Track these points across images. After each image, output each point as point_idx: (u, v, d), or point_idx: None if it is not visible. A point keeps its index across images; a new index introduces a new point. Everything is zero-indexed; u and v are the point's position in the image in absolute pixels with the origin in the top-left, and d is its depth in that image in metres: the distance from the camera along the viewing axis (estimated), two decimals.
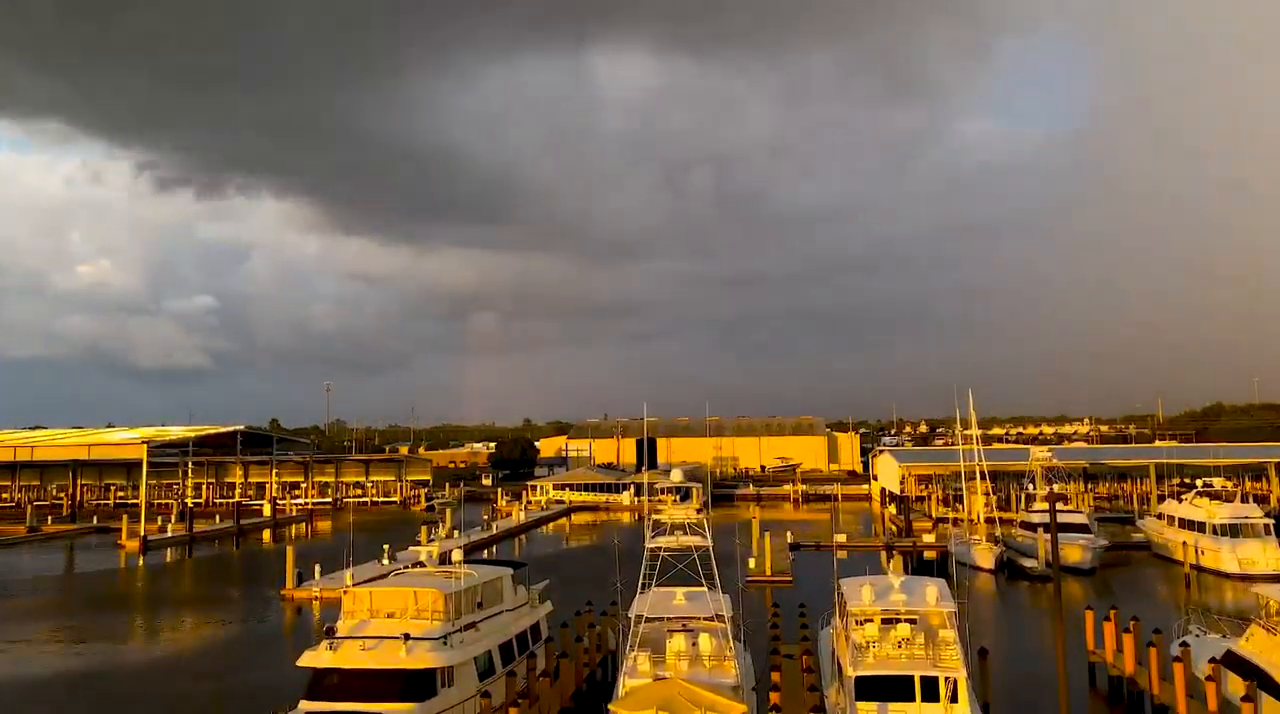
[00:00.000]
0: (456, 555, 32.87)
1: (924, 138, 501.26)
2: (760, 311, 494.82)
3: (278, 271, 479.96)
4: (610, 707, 24.51)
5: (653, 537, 29.60)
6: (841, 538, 72.98)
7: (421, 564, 33.58)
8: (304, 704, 25.40)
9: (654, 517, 30.28)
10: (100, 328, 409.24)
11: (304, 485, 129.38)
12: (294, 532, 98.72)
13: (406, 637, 26.26)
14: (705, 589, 29.43)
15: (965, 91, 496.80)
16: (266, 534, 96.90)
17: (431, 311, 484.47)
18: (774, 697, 25.92)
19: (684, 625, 28.30)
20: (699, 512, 30.73)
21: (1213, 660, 28.49)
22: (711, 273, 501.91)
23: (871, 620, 26.53)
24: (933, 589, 27.72)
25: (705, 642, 27.09)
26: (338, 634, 27.33)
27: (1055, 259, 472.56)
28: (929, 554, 66.52)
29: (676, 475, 34.33)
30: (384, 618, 28.23)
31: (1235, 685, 27.11)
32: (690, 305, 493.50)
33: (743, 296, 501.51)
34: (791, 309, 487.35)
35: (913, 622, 26.44)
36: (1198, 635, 33.17)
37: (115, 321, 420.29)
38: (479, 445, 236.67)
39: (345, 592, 30.07)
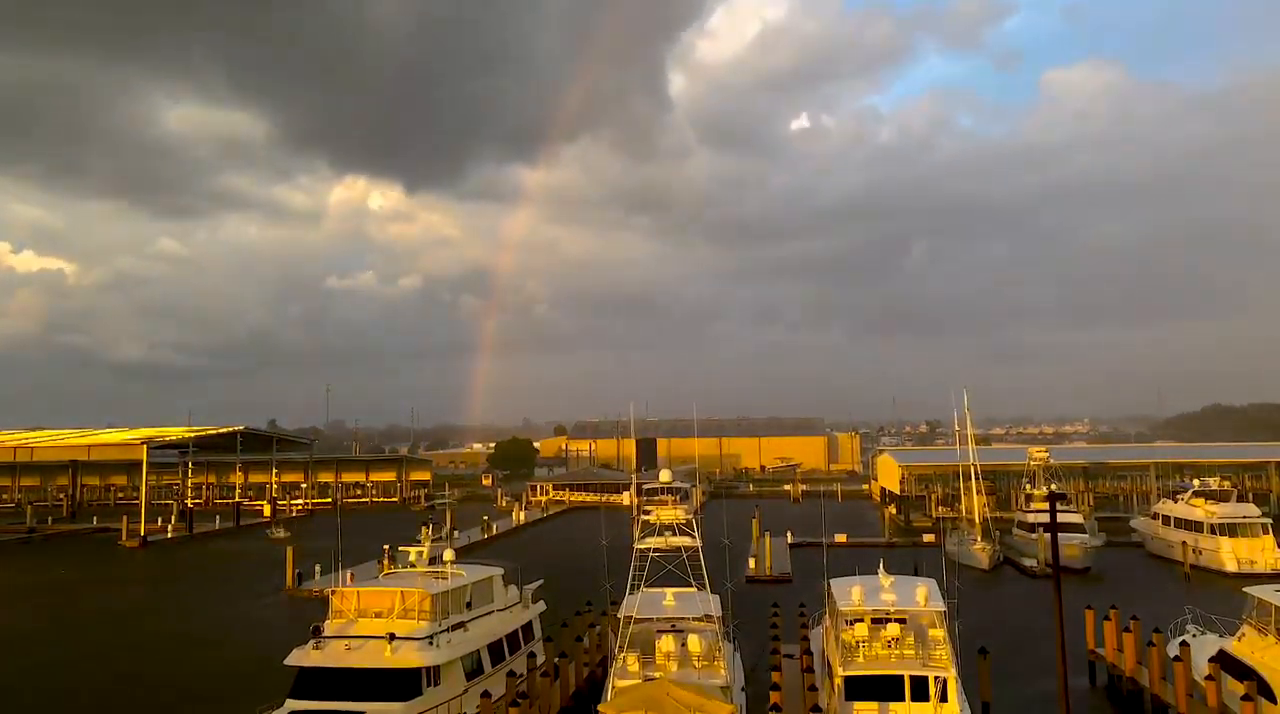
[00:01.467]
0: (448, 556, 32.76)
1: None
2: (779, 306, 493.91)
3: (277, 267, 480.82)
4: (599, 707, 24.35)
5: (642, 537, 29.43)
6: (842, 537, 72.81)
7: (412, 564, 33.44)
8: (290, 703, 25.40)
9: (643, 518, 30.12)
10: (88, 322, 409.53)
11: (304, 486, 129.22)
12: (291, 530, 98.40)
13: (392, 636, 26.22)
14: (694, 590, 29.27)
15: None
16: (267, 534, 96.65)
17: (432, 310, 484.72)
18: (774, 696, 25.78)
19: (673, 626, 28.15)
20: (689, 513, 30.51)
21: (1210, 661, 28.30)
22: (747, 258, 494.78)
23: (862, 620, 26.34)
24: (923, 589, 27.54)
25: (694, 642, 26.99)
26: (324, 634, 27.26)
27: (1052, 261, 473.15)
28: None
29: (665, 475, 34.11)
30: (371, 618, 28.22)
31: (1235, 685, 26.92)
32: (705, 299, 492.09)
33: (767, 287, 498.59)
34: (814, 302, 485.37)
35: (902, 622, 26.24)
36: (1195, 635, 32.98)
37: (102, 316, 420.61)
38: (479, 446, 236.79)
39: (333, 592, 29.97)
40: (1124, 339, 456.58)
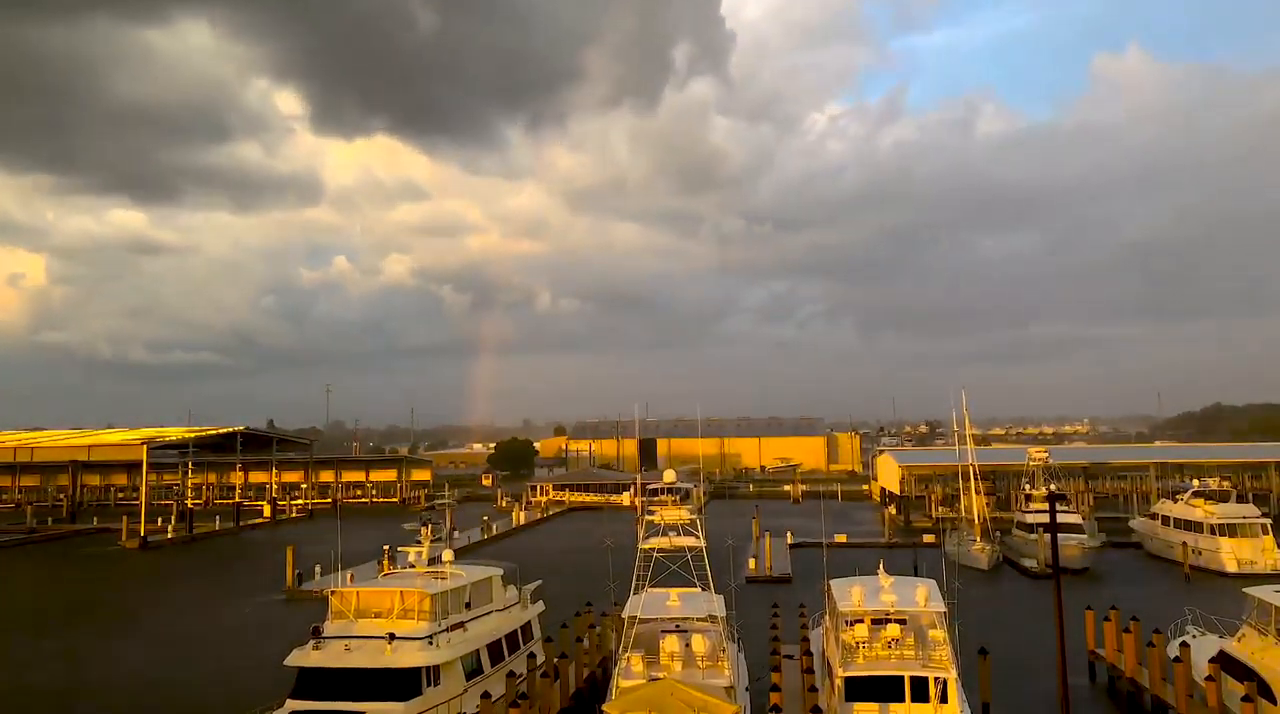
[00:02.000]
0: (447, 556, 32.78)
1: None
2: (784, 304, 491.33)
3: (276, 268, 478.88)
4: (603, 707, 24.33)
5: (646, 537, 29.41)
6: (842, 538, 72.85)
7: (411, 565, 33.45)
8: (290, 703, 25.44)
9: (647, 518, 30.10)
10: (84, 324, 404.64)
11: (304, 486, 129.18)
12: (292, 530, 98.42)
13: (391, 636, 26.24)
14: (699, 590, 29.24)
15: None
16: (267, 534, 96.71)
17: (432, 308, 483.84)
18: (774, 697, 25.77)
19: (677, 626, 28.14)
20: (693, 513, 30.50)
21: (1210, 661, 28.31)
22: (752, 255, 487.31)
23: (862, 621, 26.34)
24: (923, 590, 27.55)
25: (698, 642, 26.96)
26: (324, 634, 27.28)
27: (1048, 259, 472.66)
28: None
29: (669, 475, 34.15)
30: (371, 618, 28.25)
31: (1235, 686, 26.93)
32: (707, 297, 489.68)
33: (771, 285, 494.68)
34: (819, 300, 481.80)
35: (903, 622, 26.25)
36: (1196, 636, 32.99)
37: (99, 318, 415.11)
38: (479, 446, 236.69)
39: (332, 592, 29.97)
40: (1125, 338, 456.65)
